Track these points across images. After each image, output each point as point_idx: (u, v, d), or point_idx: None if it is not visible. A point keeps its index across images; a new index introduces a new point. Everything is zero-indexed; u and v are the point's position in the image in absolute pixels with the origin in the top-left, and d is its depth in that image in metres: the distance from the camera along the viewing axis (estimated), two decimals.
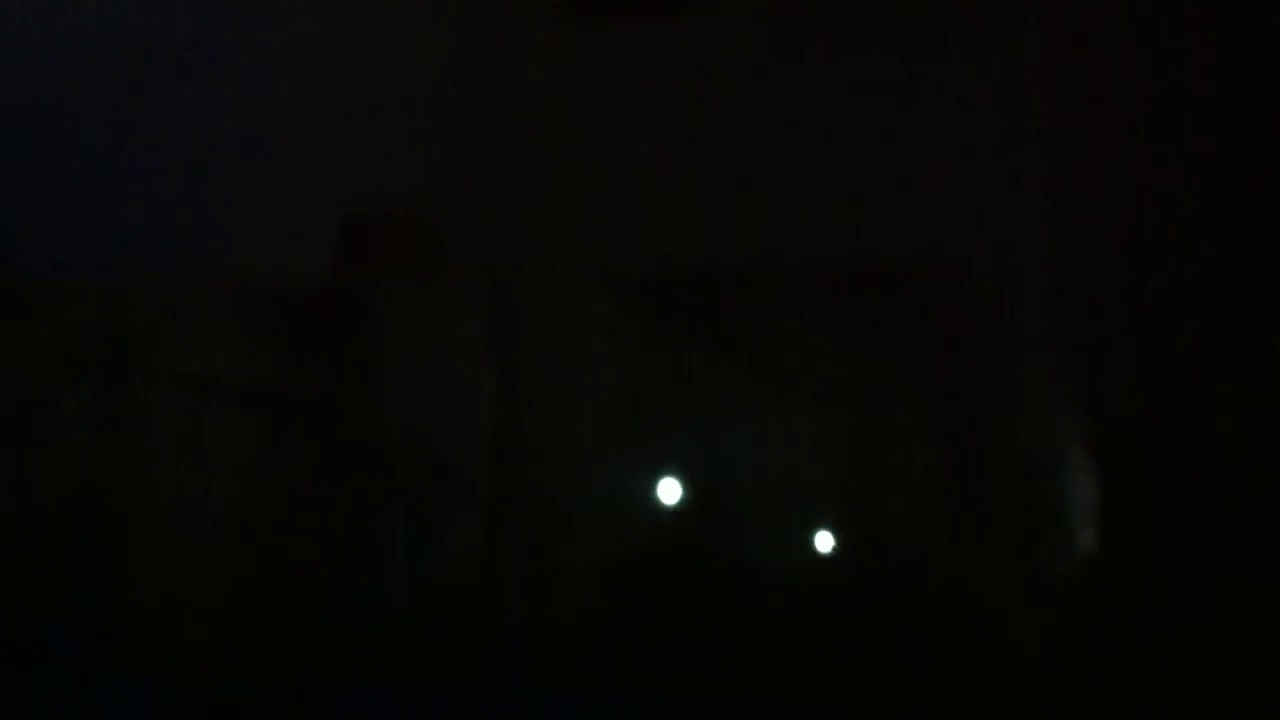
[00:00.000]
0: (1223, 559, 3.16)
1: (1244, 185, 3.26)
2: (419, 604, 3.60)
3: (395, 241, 3.74)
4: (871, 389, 3.46)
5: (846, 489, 3.45)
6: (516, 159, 3.72)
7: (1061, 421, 3.31)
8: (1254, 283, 3.23)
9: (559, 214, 3.68)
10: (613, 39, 3.75)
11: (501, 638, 3.53)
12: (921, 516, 3.37)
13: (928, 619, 3.32)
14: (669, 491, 3.56)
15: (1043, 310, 3.37)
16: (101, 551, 3.76)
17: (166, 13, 3.98)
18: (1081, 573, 3.21)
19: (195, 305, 3.81)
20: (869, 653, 3.35)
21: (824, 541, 3.47)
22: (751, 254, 3.57)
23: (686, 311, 3.59)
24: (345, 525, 3.68)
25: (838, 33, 3.61)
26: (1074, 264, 3.35)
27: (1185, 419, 3.23)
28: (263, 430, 3.77)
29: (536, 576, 3.55)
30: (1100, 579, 3.20)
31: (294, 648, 3.62)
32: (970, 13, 3.53)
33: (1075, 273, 3.34)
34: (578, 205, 3.68)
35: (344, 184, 3.81)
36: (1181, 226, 3.30)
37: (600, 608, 3.51)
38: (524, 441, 3.59)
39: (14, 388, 3.88)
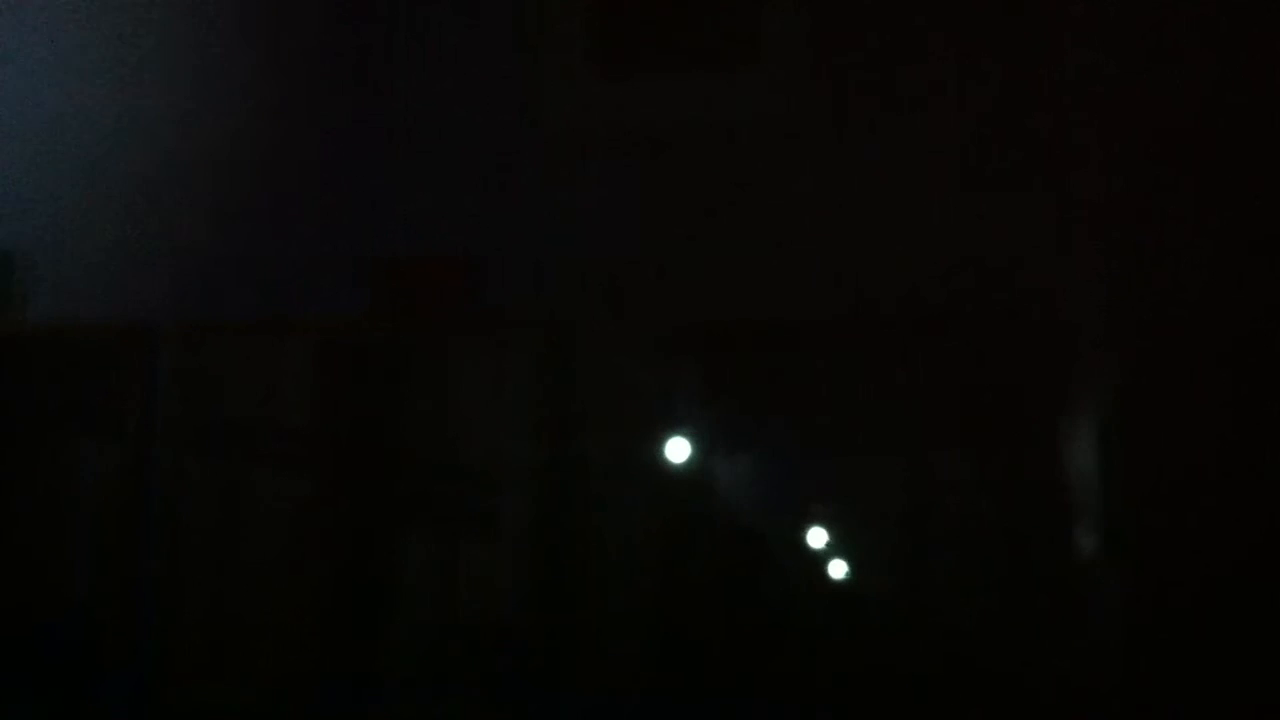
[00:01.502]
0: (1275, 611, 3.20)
1: None
2: (464, 654, 3.60)
3: (437, 285, 3.75)
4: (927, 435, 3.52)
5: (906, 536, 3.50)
6: (559, 206, 3.73)
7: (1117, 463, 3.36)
8: None
9: (602, 262, 3.67)
10: (660, 89, 3.77)
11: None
12: (975, 564, 3.41)
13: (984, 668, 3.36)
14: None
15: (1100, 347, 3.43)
16: (145, 592, 3.75)
17: (208, 46, 4.00)
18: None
19: (239, 348, 3.82)
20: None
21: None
22: (795, 305, 3.58)
23: (728, 362, 3.61)
24: (386, 567, 3.71)
25: (886, 85, 3.64)
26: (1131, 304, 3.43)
27: (1252, 464, 3.24)
28: (307, 473, 3.79)
29: (583, 626, 3.55)
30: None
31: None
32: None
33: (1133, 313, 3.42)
34: (621, 254, 3.69)
35: (386, 227, 3.81)
36: (1254, 273, 3.32)
37: (650, 659, 3.51)
38: (572, 488, 3.58)
39: (50, 433, 3.89)
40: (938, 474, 3.52)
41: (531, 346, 3.66)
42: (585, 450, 3.60)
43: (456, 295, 3.72)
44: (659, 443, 3.61)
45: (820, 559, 3.58)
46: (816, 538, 3.59)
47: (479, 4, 3.87)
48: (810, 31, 3.68)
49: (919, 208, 3.54)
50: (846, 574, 3.56)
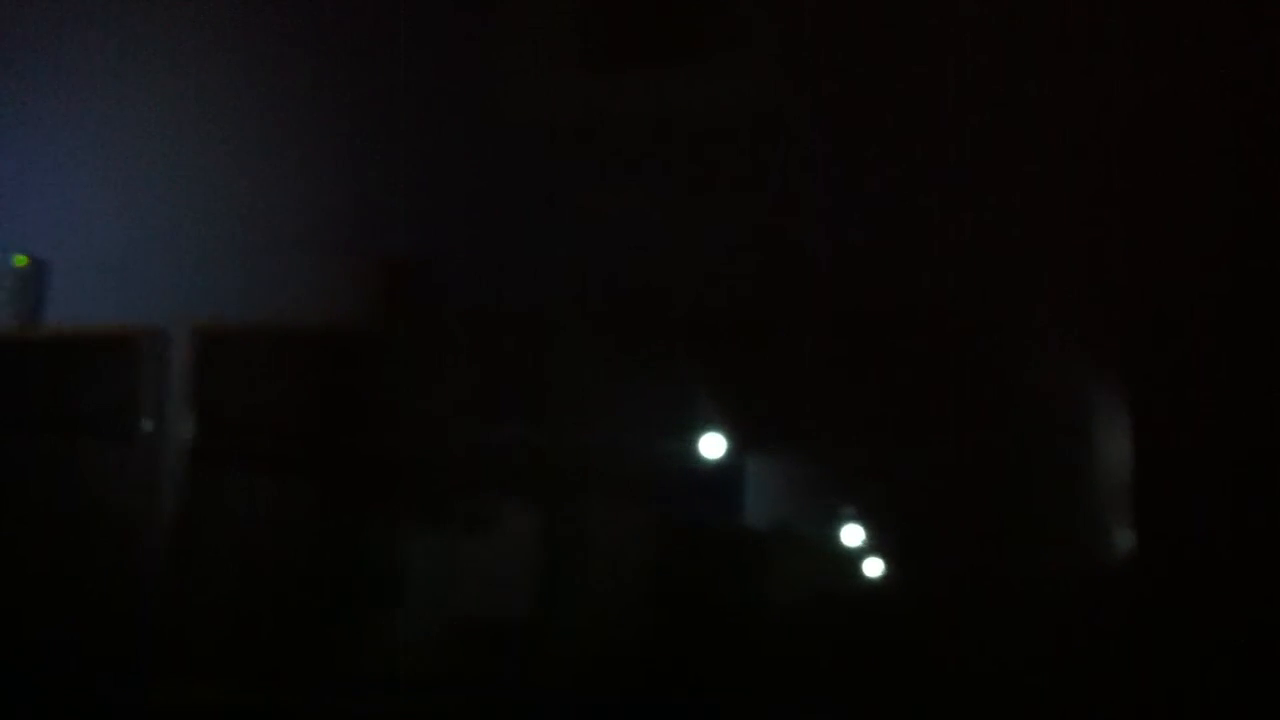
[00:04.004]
0: None
1: None
2: (460, 648, 3.57)
3: (419, 284, 3.74)
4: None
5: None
6: (539, 204, 3.70)
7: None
8: None
9: (583, 259, 3.64)
10: (642, 82, 3.73)
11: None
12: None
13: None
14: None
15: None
16: (154, 592, 3.72)
17: (217, 53, 4.01)
18: None
19: (234, 349, 3.80)
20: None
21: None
22: (778, 300, 3.53)
23: (712, 357, 3.55)
24: (382, 565, 3.66)
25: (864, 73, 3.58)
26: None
27: None
28: (304, 474, 3.76)
29: (593, 625, 3.51)
30: None
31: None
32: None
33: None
34: (602, 250, 3.65)
35: (366, 227, 3.80)
36: None
37: (665, 660, 3.45)
38: (558, 484, 3.56)
39: (61, 433, 3.85)
40: (972, 470, 3.40)
41: (535, 345, 3.63)
42: (599, 448, 3.55)
43: (454, 294, 3.72)
44: (670, 441, 3.57)
45: (855, 557, 3.50)
46: (851, 535, 3.52)
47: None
48: (800, 21, 3.63)
49: (918, 201, 3.49)
50: (882, 572, 3.48)
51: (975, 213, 3.47)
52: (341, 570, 3.69)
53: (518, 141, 3.74)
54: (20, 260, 3.87)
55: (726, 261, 3.58)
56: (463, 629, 3.59)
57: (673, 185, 3.64)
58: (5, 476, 3.84)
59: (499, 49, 3.82)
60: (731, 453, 3.57)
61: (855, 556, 3.50)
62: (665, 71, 3.72)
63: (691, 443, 3.57)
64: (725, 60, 3.70)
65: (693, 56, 3.71)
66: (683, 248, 3.61)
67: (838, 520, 3.51)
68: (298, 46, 3.96)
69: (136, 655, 3.65)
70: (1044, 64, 3.48)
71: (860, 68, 3.59)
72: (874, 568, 3.49)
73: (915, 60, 3.56)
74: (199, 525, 3.74)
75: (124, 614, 3.70)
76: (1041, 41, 3.49)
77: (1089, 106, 3.44)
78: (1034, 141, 3.46)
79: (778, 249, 3.57)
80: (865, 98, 3.58)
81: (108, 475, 3.79)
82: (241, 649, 3.67)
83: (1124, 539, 3.31)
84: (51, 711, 3.65)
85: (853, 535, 3.52)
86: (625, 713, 3.43)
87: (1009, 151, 3.48)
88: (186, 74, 4.02)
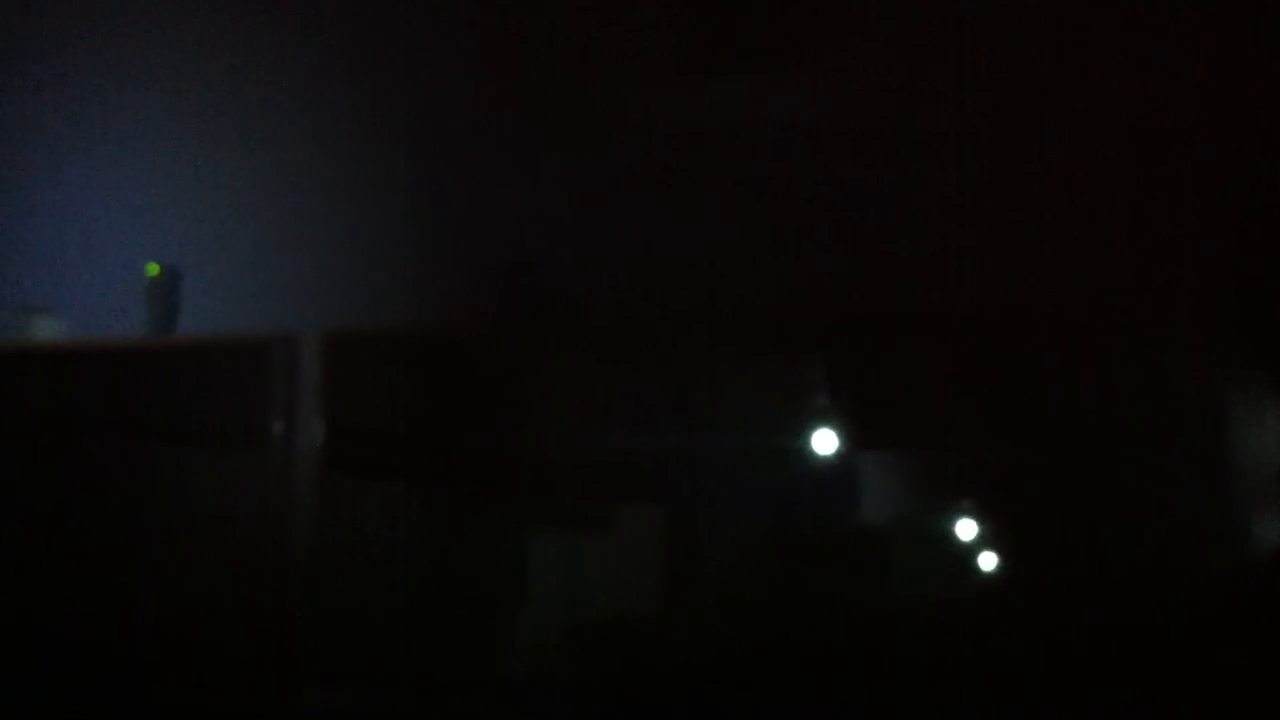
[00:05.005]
0: None
1: None
2: (581, 650, 3.62)
3: (541, 286, 3.80)
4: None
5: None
6: (645, 208, 3.77)
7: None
8: None
9: (702, 261, 3.70)
10: (740, 87, 3.78)
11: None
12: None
13: None
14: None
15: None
16: (289, 599, 3.78)
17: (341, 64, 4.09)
18: None
19: (364, 354, 3.86)
20: None
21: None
22: (888, 303, 3.59)
23: (825, 362, 3.61)
24: (507, 567, 3.71)
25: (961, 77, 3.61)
26: None
27: None
28: (430, 478, 3.80)
29: (711, 626, 3.55)
30: None
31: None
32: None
33: None
34: (720, 252, 3.71)
35: (489, 230, 3.88)
36: None
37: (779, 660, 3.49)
38: (677, 485, 3.61)
39: (193, 440, 3.92)
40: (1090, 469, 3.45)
41: (652, 346, 3.68)
42: (718, 448, 3.60)
43: (573, 296, 3.77)
44: (788, 440, 3.60)
45: (969, 553, 3.54)
46: (965, 530, 3.55)
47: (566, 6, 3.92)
48: (892, 27, 3.69)
49: (1033, 199, 3.53)
50: (997, 568, 3.52)
51: (1093, 209, 3.50)
52: (467, 573, 3.74)
53: (632, 145, 3.80)
54: (153, 269, 3.93)
55: (839, 261, 3.63)
56: (584, 631, 3.64)
57: (778, 187, 3.69)
58: (139, 484, 3.88)
59: (601, 55, 3.88)
60: (847, 451, 3.61)
61: (971, 553, 3.55)
62: (761, 76, 3.77)
63: (808, 442, 3.61)
64: (823, 65, 3.74)
65: (789, 61, 3.76)
66: (793, 248, 3.66)
67: (954, 517, 3.55)
68: (413, 55, 4.03)
69: (267, 660, 3.71)
70: (1144, 62, 3.51)
71: (956, 71, 3.63)
72: (991, 564, 3.53)
73: (1007, 62, 3.60)
74: (330, 530, 3.80)
75: (257, 619, 3.75)
76: (1138, 41, 3.53)
77: (1210, 103, 3.46)
78: (1143, 138, 3.49)
79: (888, 248, 3.61)
80: (971, 99, 3.62)
81: (240, 482, 3.84)
82: (372, 652, 3.73)
83: (1245, 536, 3.34)
84: (187, 716, 3.71)
85: (968, 531, 3.56)
86: (743, 714, 3.45)
87: (1117, 149, 3.51)
88: (313, 83, 4.10)
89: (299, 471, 3.81)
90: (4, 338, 3.98)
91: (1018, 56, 3.60)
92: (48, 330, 3.98)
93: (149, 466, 3.90)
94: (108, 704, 3.65)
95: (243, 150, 4.10)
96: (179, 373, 3.92)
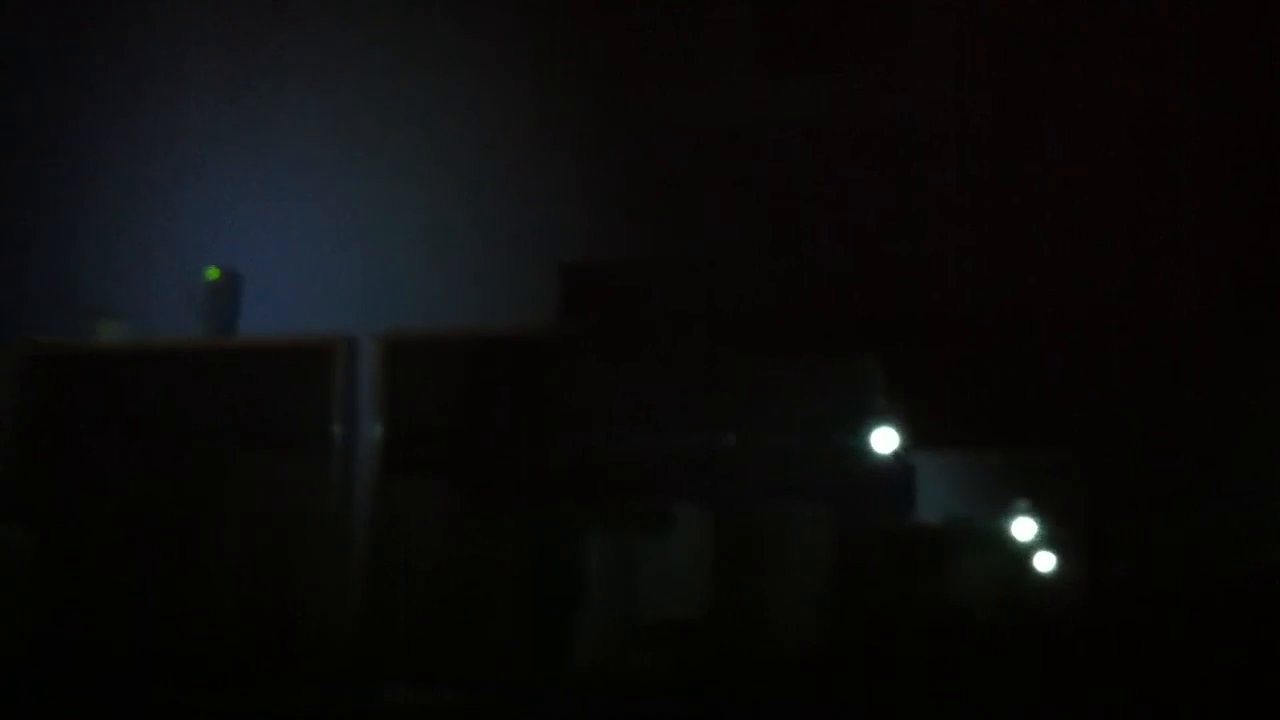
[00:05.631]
0: None
1: None
2: (641, 648, 3.62)
3: (605, 289, 3.81)
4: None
5: None
6: (722, 208, 3.78)
7: None
8: None
9: (762, 261, 3.72)
10: (817, 86, 3.78)
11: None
12: None
13: None
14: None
15: None
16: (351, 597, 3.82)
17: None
18: None
19: (422, 355, 3.90)
20: None
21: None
22: (955, 301, 3.59)
23: (891, 361, 3.61)
24: (567, 566, 3.71)
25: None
26: None
27: None
28: (488, 477, 3.85)
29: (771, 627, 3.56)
30: None
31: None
32: None
33: None
34: (780, 252, 3.73)
35: (549, 231, 3.90)
36: None
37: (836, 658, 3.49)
38: (742, 487, 3.62)
39: (254, 440, 3.96)
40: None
41: (714, 345, 3.69)
42: (779, 448, 3.60)
43: (636, 296, 3.77)
44: (848, 440, 3.61)
45: (1026, 551, 3.53)
46: (1022, 529, 3.55)
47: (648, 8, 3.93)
48: (962, 25, 3.69)
49: (1102, 199, 3.53)
50: (1055, 566, 3.51)
51: (1157, 211, 3.50)
52: (524, 572, 3.75)
53: (700, 144, 3.80)
54: (213, 273, 3.97)
55: (908, 260, 3.63)
56: (644, 629, 3.64)
57: (851, 185, 3.70)
58: (201, 484, 3.92)
59: (682, 55, 3.89)
60: (907, 450, 3.61)
61: (1029, 552, 3.54)
62: (842, 75, 3.76)
63: (868, 441, 3.62)
64: (902, 64, 3.74)
65: (870, 60, 3.75)
66: (863, 247, 3.66)
67: (1012, 515, 3.55)
68: (478, 58, 4.06)
69: (328, 657, 3.74)
70: (1235, 58, 3.51)
71: (1032, 70, 3.64)
72: (1048, 563, 3.52)
73: (1086, 60, 3.60)
74: (389, 528, 3.83)
75: (318, 617, 3.80)
76: (1227, 39, 3.52)
77: None
78: (1217, 136, 3.49)
79: (956, 248, 3.61)
80: (1041, 98, 3.63)
81: (300, 481, 3.89)
82: (431, 650, 3.75)
83: None
84: (254, 713, 3.70)
85: (1025, 530, 3.55)
86: (805, 712, 3.43)
87: (1185, 150, 3.50)
88: (371, 88, 4.13)
89: (358, 471, 3.86)
90: (69, 340, 4.04)
91: (1096, 48, 3.59)
92: (111, 333, 4.03)
93: (209, 466, 3.93)
94: (175, 696, 3.68)
95: (301, 154, 4.14)
96: (239, 374, 3.96)
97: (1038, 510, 3.53)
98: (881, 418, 3.61)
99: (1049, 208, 3.59)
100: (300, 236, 4.07)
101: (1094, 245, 3.55)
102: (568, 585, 3.70)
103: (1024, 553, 3.53)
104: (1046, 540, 3.52)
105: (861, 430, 3.62)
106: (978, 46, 3.69)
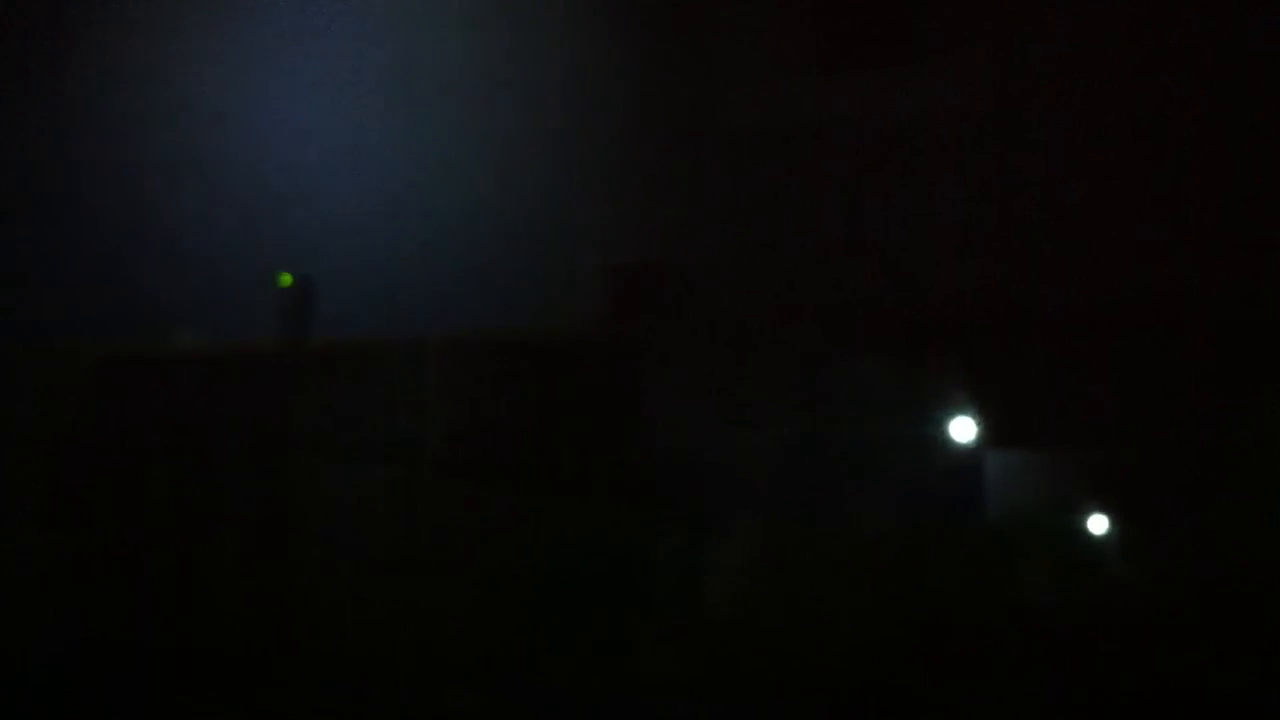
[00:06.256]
0: None
1: None
2: (705, 650, 3.60)
3: (651, 289, 3.84)
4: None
5: None
6: (769, 206, 3.80)
7: None
8: None
9: (809, 261, 3.74)
10: (866, 85, 3.82)
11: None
12: None
13: None
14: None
15: None
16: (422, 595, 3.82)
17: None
18: None
19: (491, 359, 3.92)
20: None
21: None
22: (1002, 297, 3.60)
23: (934, 358, 3.62)
24: (631, 568, 3.71)
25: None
26: None
27: None
28: (551, 480, 3.86)
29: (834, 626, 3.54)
30: None
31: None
32: None
33: None
34: (828, 252, 3.74)
35: (598, 232, 3.93)
36: None
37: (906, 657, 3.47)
38: (786, 488, 3.64)
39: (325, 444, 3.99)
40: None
41: (772, 346, 3.71)
42: (847, 447, 3.60)
43: (694, 297, 3.80)
44: (919, 439, 3.60)
45: (1101, 547, 3.50)
46: (1097, 525, 3.52)
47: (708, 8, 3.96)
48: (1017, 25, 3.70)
49: (1169, 196, 3.53)
50: (1124, 562, 3.48)
51: (1230, 208, 3.50)
52: (588, 574, 3.75)
53: (753, 145, 3.84)
54: (285, 279, 4.01)
55: (974, 259, 3.64)
56: (709, 631, 3.63)
57: (914, 184, 3.72)
58: (271, 487, 3.93)
59: (734, 56, 3.93)
60: (980, 448, 3.60)
61: (1101, 551, 3.51)
62: (897, 73, 3.80)
63: (940, 440, 3.61)
64: (958, 62, 3.77)
65: (926, 58, 3.78)
66: (928, 245, 3.68)
67: (1083, 514, 3.52)
68: (540, 59, 4.10)
69: (394, 659, 3.72)
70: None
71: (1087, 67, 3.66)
72: (1119, 563, 3.50)
73: (1143, 58, 3.62)
74: (453, 531, 3.83)
75: (383, 618, 3.78)
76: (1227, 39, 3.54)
77: None
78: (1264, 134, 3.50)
79: (1022, 246, 3.62)
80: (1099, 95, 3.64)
81: (368, 483, 3.89)
82: (493, 653, 3.71)
83: None
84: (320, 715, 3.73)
85: (1099, 527, 3.52)
86: (870, 713, 3.42)
87: (1236, 148, 3.52)
88: (432, 97, 4.16)
89: (425, 473, 3.86)
90: (140, 345, 4.07)
91: (1153, 45, 3.61)
92: (183, 339, 4.06)
93: (279, 469, 3.94)
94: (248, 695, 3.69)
95: (375, 161, 4.19)
96: (311, 378, 3.98)
97: (1108, 508, 3.50)
98: (961, 411, 3.60)
99: (1137, 205, 3.59)
100: (370, 242, 4.11)
101: (1192, 245, 3.54)
102: (635, 587, 3.70)
103: (1095, 549, 3.50)
104: (1116, 538, 3.50)
105: (929, 425, 3.61)
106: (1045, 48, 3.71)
